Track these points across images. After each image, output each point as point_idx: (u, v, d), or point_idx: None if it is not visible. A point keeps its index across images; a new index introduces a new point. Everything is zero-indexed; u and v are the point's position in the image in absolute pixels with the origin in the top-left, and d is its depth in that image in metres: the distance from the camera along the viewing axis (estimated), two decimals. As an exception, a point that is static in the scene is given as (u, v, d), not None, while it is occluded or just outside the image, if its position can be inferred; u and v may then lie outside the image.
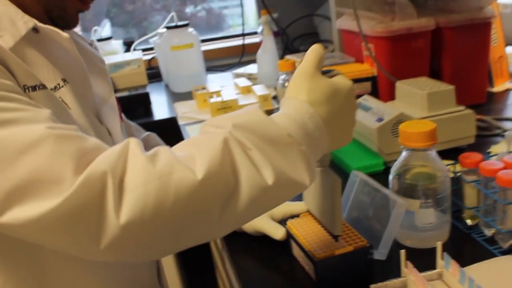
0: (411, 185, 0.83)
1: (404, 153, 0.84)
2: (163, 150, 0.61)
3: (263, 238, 0.91)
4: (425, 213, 0.83)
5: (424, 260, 0.77)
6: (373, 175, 0.94)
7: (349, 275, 0.80)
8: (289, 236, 0.87)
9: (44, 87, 0.70)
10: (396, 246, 0.84)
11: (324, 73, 0.72)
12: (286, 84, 1.68)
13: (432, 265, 0.75)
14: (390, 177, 0.86)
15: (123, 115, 1.03)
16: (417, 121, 0.84)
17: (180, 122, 1.75)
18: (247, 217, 0.65)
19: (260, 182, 0.62)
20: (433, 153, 0.83)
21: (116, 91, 1.93)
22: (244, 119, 0.64)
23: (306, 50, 0.72)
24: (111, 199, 0.56)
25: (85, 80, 0.84)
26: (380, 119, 1.14)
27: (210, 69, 2.34)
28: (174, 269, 1.85)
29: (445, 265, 0.73)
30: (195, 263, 1.96)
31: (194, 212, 0.60)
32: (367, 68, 1.45)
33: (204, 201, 0.60)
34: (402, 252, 0.74)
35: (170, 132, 1.60)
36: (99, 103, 0.88)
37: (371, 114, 1.18)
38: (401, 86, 1.24)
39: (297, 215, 0.90)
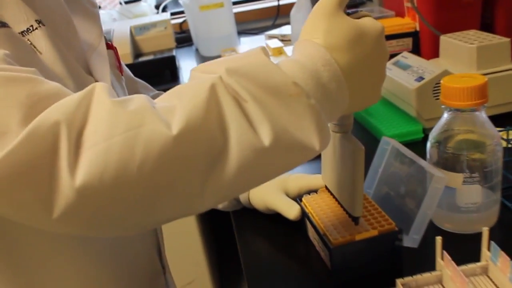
0: (453, 155, 0.67)
1: (445, 115, 0.68)
2: (138, 97, 0.50)
3: (275, 217, 0.77)
4: (469, 190, 0.68)
5: (466, 249, 0.63)
6: (410, 144, 0.79)
7: (372, 265, 0.65)
8: (304, 215, 0.72)
9: (4, 25, 0.59)
10: (433, 231, 0.69)
11: (349, 14, 0.57)
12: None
13: (476, 256, 0.60)
14: (428, 145, 0.71)
15: (125, 68, 0.91)
16: (463, 75, 0.68)
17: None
18: (238, 187, 0.52)
19: (254, 142, 0.48)
20: (482, 116, 0.67)
21: (141, 55, 1.83)
22: (241, 63, 0.51)
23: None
24: (65, 155, 0.45)
25: (68, 24, 0.71)
26: (420, 78, 0.98)
27: (243, 32, 2.20)
28: (198, 241, 1.75)
29: (492, 257, 0.58)
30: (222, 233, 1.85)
31: (168, 177, 0.48)
32: (408, 22, 1.28)
33: (181, 162, 0.47)
34: (438, 240, 0.59)
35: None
36: (87, 50, 0.75)
37: (410, 72, 1.02)
38: (446, 40, 1.08)
39: (315, 191, 0.76)
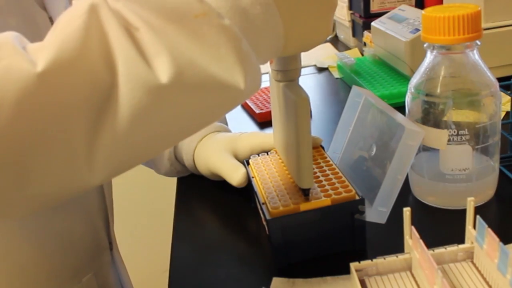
0: (436, 106, 0.52)
1: (428, 57, 0.53)
2: (5, 33, 0.37)
3: (225, 184, 0.62)
4: (456, 152, 0.53)
5: (452, 227, 0.48)
6: (402, 108, 0.63)
7: (324, 244, 0.51)
8: (249, 180, 0.58)
9: None
10: (413, 206, 0.54)
11: None
12: None
13: (463, 236, 0.46)
14: (407, 96, 0.56)
15: None
16: (450, 5, 0.52)
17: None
18: (137, 145, 0.38)
19: (148, 78, 0.35)
20: (474, 57, 0.51)
21: None
22: None
23: None
24: None
25: None
26: (415, 30, 0.82)
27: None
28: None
29: (478, 238, 0.43)
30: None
31: (37, 128, 0.35)
32: (411, -25, 1.12)
33: (52, 108, 0.35)
34: (406, 212, 0.44)
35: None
36: None
37: (405, 25, 0.87)
38: (450, -11, 0.91)
39: (268, 151, 0.61)
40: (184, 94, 0.36)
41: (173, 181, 0.73)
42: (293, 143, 0.49)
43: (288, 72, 0.50)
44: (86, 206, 0.65)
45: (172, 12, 0.36)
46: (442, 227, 0.54)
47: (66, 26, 0.35)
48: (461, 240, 0.46)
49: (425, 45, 0.53)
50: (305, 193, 0.50)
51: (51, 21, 0.60)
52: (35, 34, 0.40)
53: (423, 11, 0.52)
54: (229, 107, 0.40)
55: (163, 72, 0.35)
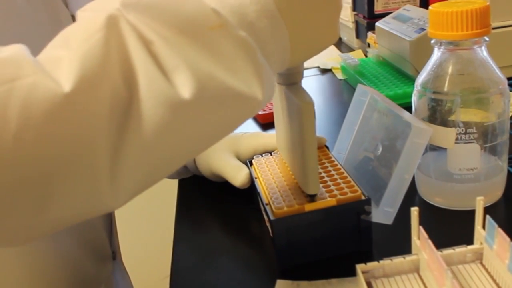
0: (442, 104, 0.51)
1: (435, 53, 0.52)
2: (13, 46, 0.35)
3: (228, 185, 0.61)
4: (464, 151, 0.51)
5: (460, 228, 0.47)
6: (406, 109, 0.61)
7: (330, 245, 0.50)
8: (252, 181, 0.57)
9: None
10: (419, 207, 0.53)
11: None
12: None
13: (471, 238, 0.44)
14: (414, 93, 0.55)
15: None
16: (458, 0, 0.51)
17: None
18: (163, 161, 0.37)
19: (170, 94, 0.34)
20: (482, 53, 0.50)
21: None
22: None
23: None
24: None
25: None
26: (420, 30, 0.81)
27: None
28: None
29: (487, 239, 0.42)
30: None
31: (62, 150, 0.33)
32: (415, -25, 1.11)
33: (78, 129, 0.33)
34: (414, 211, 0.43)
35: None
36: None
37: (410, 25, 0.86)
38: (455, -12, 0.90)
39: (271, 152, 0.60)
40: (206, 108, 0.35)
41: (174, 184, 0.72)
42: (297, 148, 0.48)
43: (291, 75, 0.48)
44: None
45: (186, 23, 0.35)
46: (449, 228, 0.52)
47: (85, 40, 0.34)
48: (469, 242, 0.45)
49: (432, 41, 0.52)
50: (311, 198, 0.49)
51: (73, 19, 0.59)
52: (59, 32, 0.39)
53: (430, 7, 0.51)
54: (247, 117, 0.39)
55: (185, 87, 0.34)
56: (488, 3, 0.49)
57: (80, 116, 0.32)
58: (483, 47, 0.50)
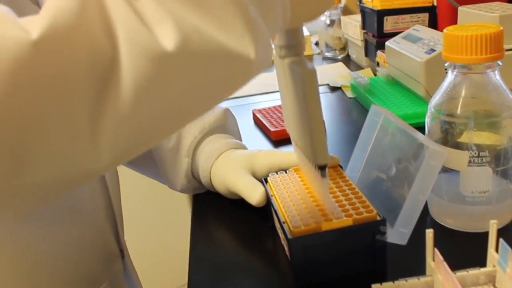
0: (455, 126, 0.52)
1: (449, 76, 0.53)
2: None
3: (242, 202, 0.62)
4: (476, 174, 0.52)
5: (473, 252, 0.48)
6: (418, 129, 0.62)
7: (345, 264, 0.51)
8: (268, 200, 0.58)
9: None
10: (432, 228, 0.54)
11: None
12: (329, 21, 1.38)
13: (482, 260, 0.45)
14: (427, 115, 0.56)
15: None
16: (472, 24, 0.53)
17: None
18: (146, 123, 0.36)
19: (152, 46, 0.33)
20: (495, 77, 0.51)
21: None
22: None
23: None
24: None
25: None
26: (431, 51, 0.83)
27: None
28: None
29: (500, 262, 0.43)
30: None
31: (35, 103, 0.32)
32: (424, -4, 1.13)
33: (51, 80, 0.32)
34: (429, 233, 0.44)
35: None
36: None
37: (420, 45, 0.87)
38: (464, 11, 0.92)
39: (286, 170, 0.61)
40: (190, 63, 0.34)
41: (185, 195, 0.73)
42: (304, 120, 0.47)
43: (293, 47, 0.48)
44: (93, 213, 0.64)
45: None
46: (460, 249, 0.53)
47: None
48: (480, 263, 0.45)
49: (446, 64, 0.53)
50: (322, 171, 0.48)
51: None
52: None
53: (445, 30, 0.52)
54: (239, 80, 0.38)
55: (167, 39, 0.33)
56: (501, 28, 0.50)
57: (51, 66, 0.32)
58: (496, 71, 0.51)
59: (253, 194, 0.59)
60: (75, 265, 0.61)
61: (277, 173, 0.60)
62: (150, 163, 0.76)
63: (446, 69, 0.54)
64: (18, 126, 0.32)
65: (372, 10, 1.12)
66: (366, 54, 1.22)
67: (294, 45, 0.48)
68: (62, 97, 0.32)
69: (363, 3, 1.18)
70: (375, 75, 1.13)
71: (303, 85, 0.45)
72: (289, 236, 0.48)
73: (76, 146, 0.33)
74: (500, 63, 0.51)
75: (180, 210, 1.58)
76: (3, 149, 0.32)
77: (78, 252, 0.62)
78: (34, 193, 0.36)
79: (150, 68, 0.33)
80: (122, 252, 0.72)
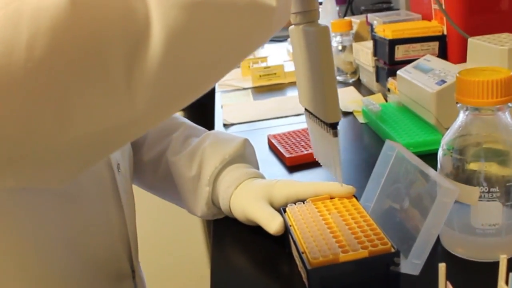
0: (468, 164, 0.55)
1: (461, 116, 0.56)
2: None
3: (260, 229, 0.65)
4: (487, 208, 0.55)
5: (482, 281, 0.50)
6: (427, 156, 0.65)
7: (360, 293, 0.53)
8: (286, 229, 0.61)
9: None
10: (443, 257, 0.57)
11: None
12: (340, 47, 1.41)
13: (490, 290, 0.48)
14: (440, 152, 0.59)
15: None
16: (483, 68, 0.56)
17: (218, 89, 1.53)
18: (177, 73, 0.38)
19: None
20: (506, 118, 0.54)
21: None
22: None
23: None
24: None
25: None
26: (441, 82, 0.85)
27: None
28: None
29: (510, 295, 0.45)
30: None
31: (74, 62, 0.35)
32: (435, 25, 1.16)
33: (88, 40, 0.35)
34: (441, 267, 0.46)
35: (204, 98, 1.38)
36: None
37: (431, 76, 0.90)
38: (474, 42, 0.95)
39: (303, 200, 0.64)
40: (218, 11, 0.37)
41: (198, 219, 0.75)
42: (316, 79, 0.49)
43: (307, 13, 0.51)
44: (108, 231, 0.67)
45: None
46: (470, 278, 0.56)
47: None
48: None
49: (458, 105, 0.56)
50: (333, 130, 0.50)
51: None
52: None
53: (457, 74, 0.55)
54: (263, 30, 0.40)
55: None
56: (511, 73, 0.53)
57: (88, 25, 0.34)
58: (506, 113, 0.54)
59: (272, 224, 0.62)
60: (85, 284, 0.63)
61: (295, 204, 0.63)
62: (171, 189, 0.79)
63: (456, 102, 0.57)
64: (61, 82, 0.34)
65: (384, 39, 1.15)
66: (377, 80, 1.25)
67: (308, 11, 0.50)
68: (99, 53, 0.35)
69: (375, 32, 1.21)
70: (386, 100, 1.16)
71: (317, 42, 0.47)
72: (308, 267, 0.51)
73: (113, 97, 0.36)
74: (511, 105, 0.54)
75: (193, 231, 1.62)
76: (48, 107, 0.34)
77: (89, 271, 0.64)
78: (78, 151, 0.38)
79: (180, 16, 0.35)
80: (134, 272, 0.74)
